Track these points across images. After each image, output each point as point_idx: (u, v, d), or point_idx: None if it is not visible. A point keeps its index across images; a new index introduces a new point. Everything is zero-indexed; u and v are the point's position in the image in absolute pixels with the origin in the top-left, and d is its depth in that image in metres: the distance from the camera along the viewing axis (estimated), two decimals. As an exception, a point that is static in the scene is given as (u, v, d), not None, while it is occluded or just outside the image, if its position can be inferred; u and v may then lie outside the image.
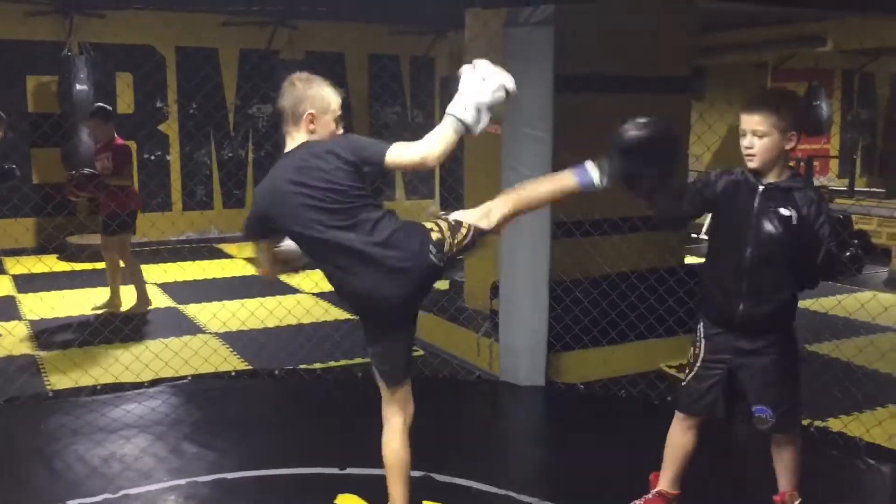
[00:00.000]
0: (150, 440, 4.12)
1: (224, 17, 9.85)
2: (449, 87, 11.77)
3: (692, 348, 3.13)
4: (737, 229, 2.93)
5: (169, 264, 7.79)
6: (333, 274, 2.75)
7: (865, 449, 4.02)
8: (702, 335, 3.08)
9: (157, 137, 10.08)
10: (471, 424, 4.62)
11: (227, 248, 10.08)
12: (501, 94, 2.66)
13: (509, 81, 2.68)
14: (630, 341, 5.10)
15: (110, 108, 6.80)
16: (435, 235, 2.72)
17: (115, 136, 6.49)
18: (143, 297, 6.74)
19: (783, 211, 2.84)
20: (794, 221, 2.82)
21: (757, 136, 2.86)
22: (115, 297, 6.71)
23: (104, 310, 6.59)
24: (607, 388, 4.87)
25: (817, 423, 4.37)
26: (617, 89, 5.20)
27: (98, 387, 4.84)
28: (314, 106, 2.78)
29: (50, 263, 7.75)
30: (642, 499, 3.27)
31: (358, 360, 5.42)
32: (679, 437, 3.18)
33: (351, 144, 2.70)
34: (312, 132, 2.78)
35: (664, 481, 3.23)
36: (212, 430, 4.26)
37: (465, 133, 2.66)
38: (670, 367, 5.14)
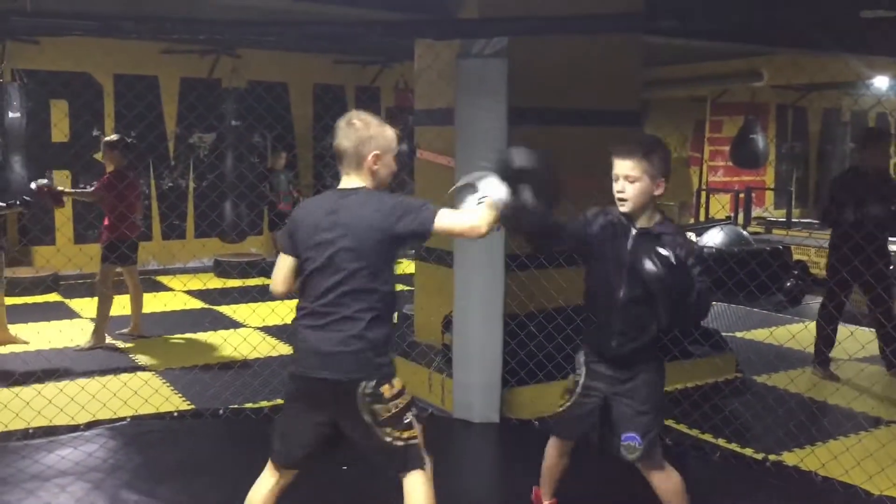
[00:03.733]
0: (86, 489, 3.88)
1: (164, 44, 9.65)
2: (394, 118, 11.61)
3: (573, 375, 3.23)
4: (610, 270, 3.02)
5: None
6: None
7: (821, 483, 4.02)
8: (582, 362, 3.18)
9: (94, 167, 9.75)
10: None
11: (168, 280, 9.77)
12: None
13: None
14: (585, 375, 5.04)
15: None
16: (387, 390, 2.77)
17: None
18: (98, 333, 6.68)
19: (658, 252, 2.84)
20: (668, 263, 2.82)
21: (629, 181, 2.94)
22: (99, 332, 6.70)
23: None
24: (563, 424, 4.78)
25: (772, 457, 4.37)
26: (571, 122, 5.20)
27: (30, 430, 4.57)
28: (379, 146, 2.77)
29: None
30: None
31: (306, 398, 5.24)
32: (556, 460, 3.36)
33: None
34: (374, 172, 2.78)
35: (546, 496, 3.44)
36: (153, 477, 4.05)
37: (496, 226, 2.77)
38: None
